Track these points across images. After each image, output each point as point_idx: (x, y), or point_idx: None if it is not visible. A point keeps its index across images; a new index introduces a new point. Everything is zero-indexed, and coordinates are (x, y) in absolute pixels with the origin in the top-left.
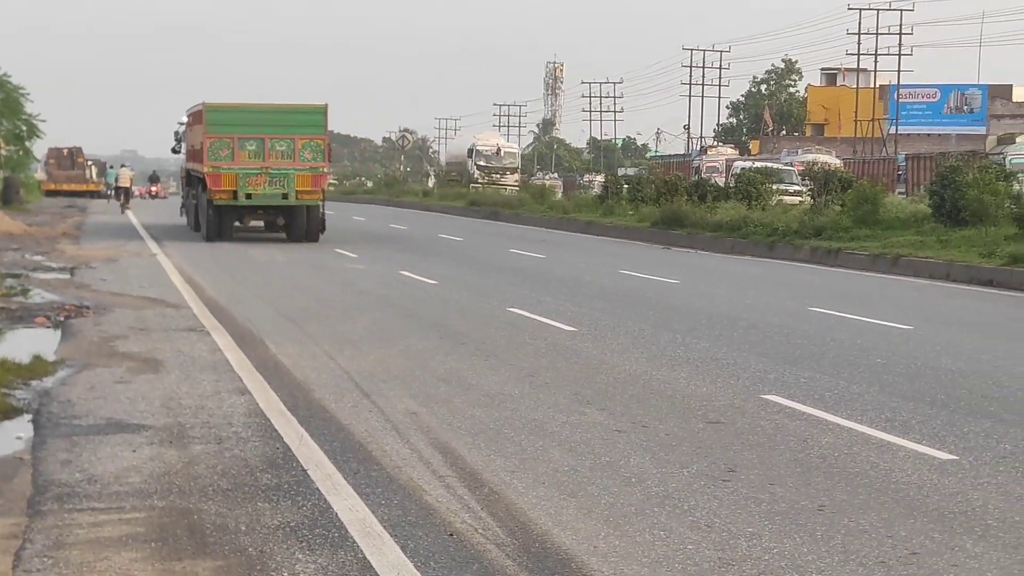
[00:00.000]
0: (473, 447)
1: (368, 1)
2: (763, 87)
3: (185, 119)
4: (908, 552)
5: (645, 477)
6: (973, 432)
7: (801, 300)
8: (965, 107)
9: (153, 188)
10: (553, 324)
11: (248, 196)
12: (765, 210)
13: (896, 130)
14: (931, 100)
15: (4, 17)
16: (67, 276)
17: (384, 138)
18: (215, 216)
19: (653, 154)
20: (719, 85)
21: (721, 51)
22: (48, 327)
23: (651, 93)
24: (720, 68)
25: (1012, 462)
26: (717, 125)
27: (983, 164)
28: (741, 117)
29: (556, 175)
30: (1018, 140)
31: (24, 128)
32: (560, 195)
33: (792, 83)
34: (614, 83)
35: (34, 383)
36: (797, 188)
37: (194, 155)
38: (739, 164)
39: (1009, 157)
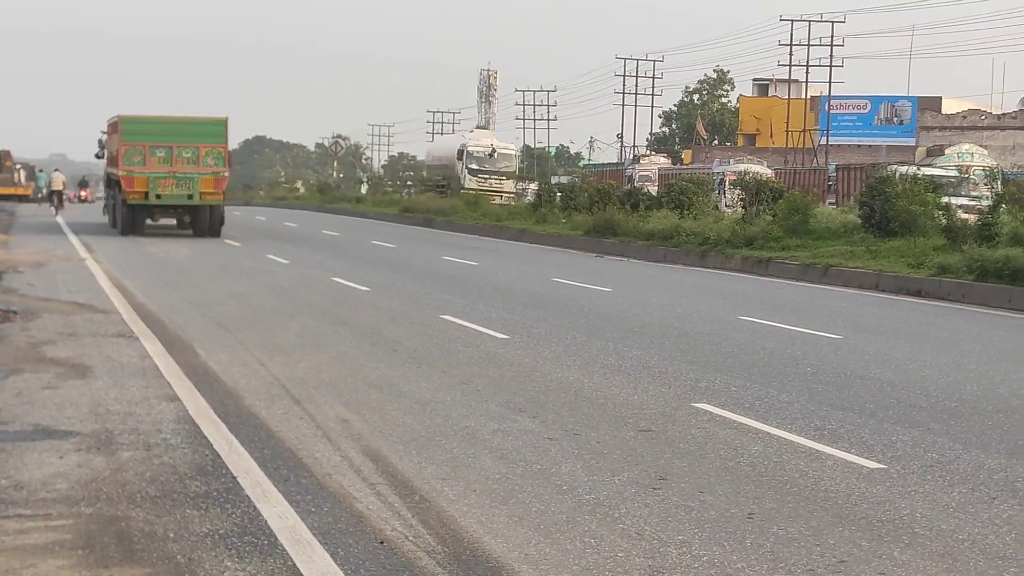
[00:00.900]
0: (404, 454)
1: (302, 4)
2: (696, 97)
3: (106, 128)
4: (836, 560)
5: (576, 485)
6: (901, 441)
7: (732, 309)
8: (895, 119)
9: (83, 192)
10: (486, 332)
11: (158, 196)
12: (696, 219)
13: (827, 141)
14: (862, 111)
15: None
16: None
17: (317, 144)
18: (129, 213)
19: (586, 162)
20: (652, 94)
21: (654, 60)
22: None
23: (585, 101)
24: (653, 77)
25: (939, 471)
26: (650, 134)
27: (912, 175)
28: (674, 126)
29: None
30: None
31: None
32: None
33: (724, 93)
34: (548, 91)
35: None
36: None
37: (112, 160)
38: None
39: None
